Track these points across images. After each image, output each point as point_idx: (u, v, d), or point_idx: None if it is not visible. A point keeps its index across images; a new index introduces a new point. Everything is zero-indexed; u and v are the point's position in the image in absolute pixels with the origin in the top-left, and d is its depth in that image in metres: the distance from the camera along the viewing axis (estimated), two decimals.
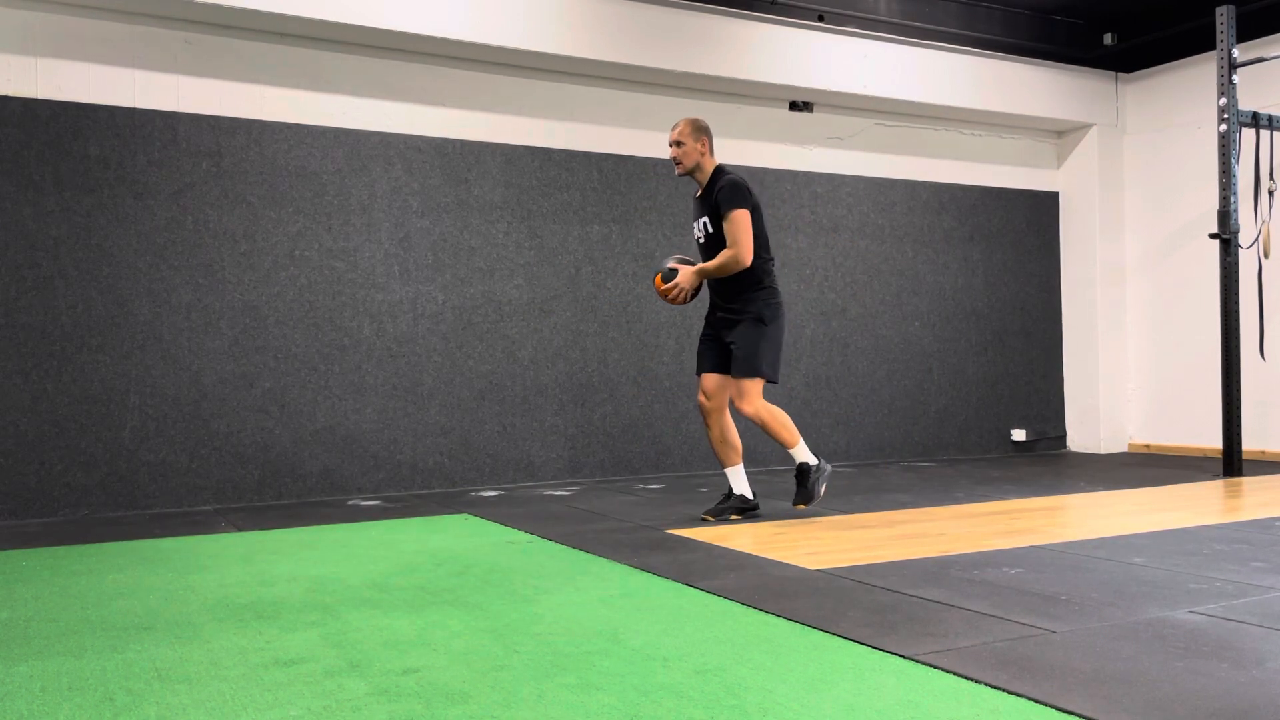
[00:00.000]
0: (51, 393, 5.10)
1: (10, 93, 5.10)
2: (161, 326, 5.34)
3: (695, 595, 3.16)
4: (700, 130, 4.55)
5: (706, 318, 4.74)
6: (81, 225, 5.19)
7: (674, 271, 4.59)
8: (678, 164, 4.57)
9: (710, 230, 4.56)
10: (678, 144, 4.54)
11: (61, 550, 4.11)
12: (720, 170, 4.56)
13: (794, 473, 4.72)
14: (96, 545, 4.23)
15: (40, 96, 5.15)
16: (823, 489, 4.66)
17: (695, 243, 4.76)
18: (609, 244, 6.52)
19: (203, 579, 3.51)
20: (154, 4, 5.26)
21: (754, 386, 4.47)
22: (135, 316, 5.29)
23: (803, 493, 4.63)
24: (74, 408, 5.14)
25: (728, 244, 4.45)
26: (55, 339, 5.12)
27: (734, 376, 4.50)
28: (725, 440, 4.63)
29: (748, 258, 4.43)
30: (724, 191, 4.46)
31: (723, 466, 4.68)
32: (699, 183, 4.62)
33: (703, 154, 4.55)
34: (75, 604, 3.15)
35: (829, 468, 4.71)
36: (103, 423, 5.19)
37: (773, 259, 4.64)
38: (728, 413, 4.65)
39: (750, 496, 4.67)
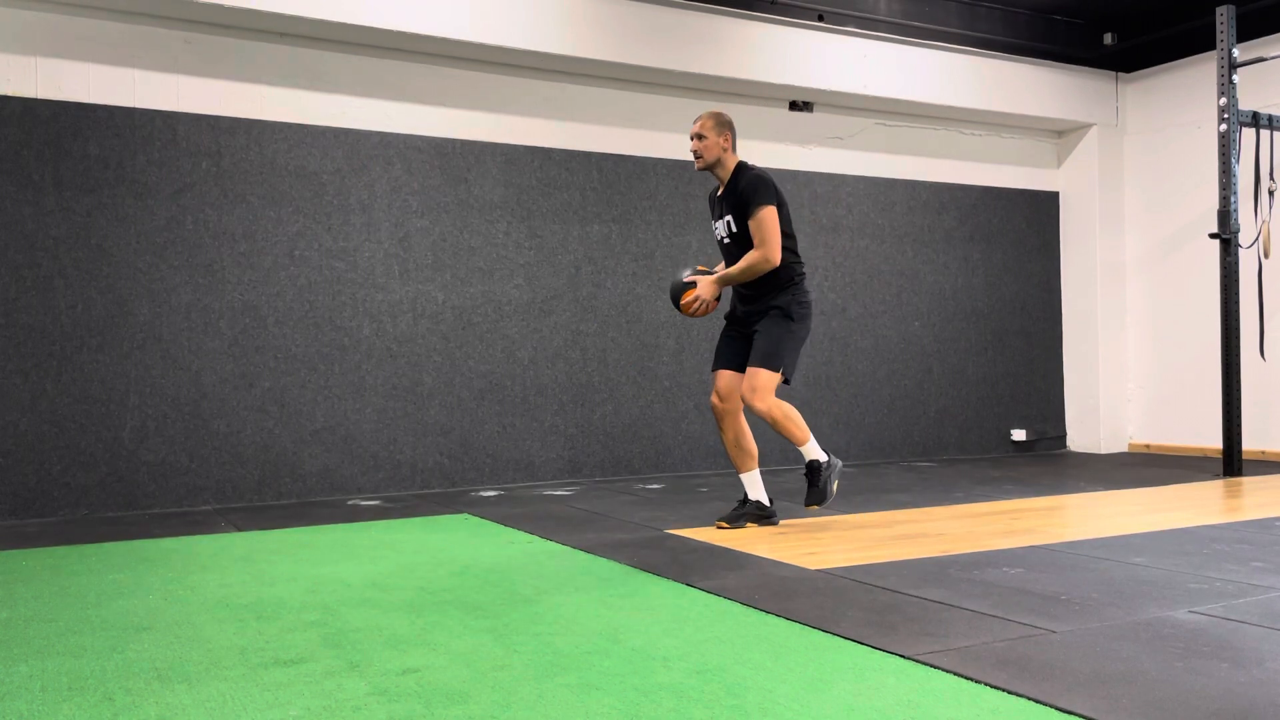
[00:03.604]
0: (51, 393, 5.10)
1: (10, 93, 5.10)
2: (161, 326, 5.34)
3: (695, 595, 3.15)
4: (723, 125, 4.32)
5: (727, 315, 4.54)
6: (81, 225, 5.19)
7: (692, 284, 4.32)
8: (698, 158, 4.34)
9: (734, 230, 4.34)
10: (699, 137, 4.31)
11: (61, 550, 4.11)
12: (743, 166, 4.34)
13: (803, 471, 4.41)
14: (96, 545, 4.23)
15: (40, 96, 5.15)
16: (834, 487, 4.36)
17: (718, 243, 4.50)
18: (609, 244, 6.52)
19: (203, 579, 3.51)
20: (154, 4, 5.26)
21: (770, 381, 4.22)
22: (135, 316, 5.29)
23: (814, 493, 4.33)
24: (74, 408, 5.14)
25: (755, 243, 4.21)
26: (55, 339, 5.12)
27: (751, 366, 4.24)
28: (740, 445, 4.42)
29: (776, 257, 4.20)
30: (749, 188, 4.22)
31: (737, 472, 4.46)
32: (719, 179, 4.40)
33: (725, 149, 4.32)
34: (75, 604, 3.15)
35: (840, 464, 4.41)
36: (103, 423, 5.19)
37: (801, 261, 4.41)
38: (743, 416, 4.43)
39: (767, 503, 4.43)
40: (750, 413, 4.35)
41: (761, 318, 4.32)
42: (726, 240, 4.41)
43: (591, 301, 6.45)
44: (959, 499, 5.33)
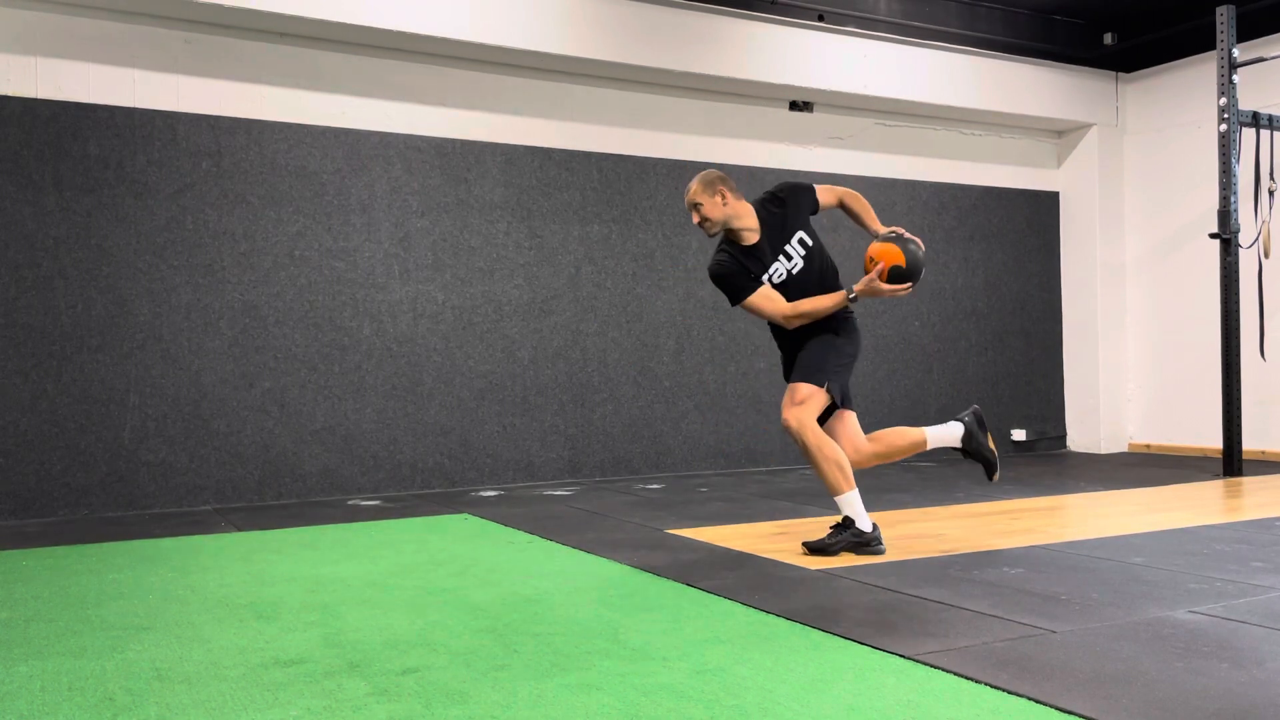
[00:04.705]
0: (51, 393, 5.10)
1: (10, 93, 5.09)
2: (161, 326, 5.34)
3: (695, 595, 3.15)
4: (709, 183, 3.83)
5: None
6: (81, 225, 5.19)
7: (915, 246, 4.02)
8: (706, 223, 3.85)
9: (811, 244, 3.95)
10: (695, 207, 3.84)
11: (61, 550, 4.11)
12: (762, 199, 3.95)
13: (834, 525, 3.84)
14: (96, 545, 4.23)
15: (40, 96, 5.15)
16: (841, 552, 3.74)
17: (777, 284, 3.90)
18: (609, 244, 6.52)
19: (203, 579, 3.51)
20: (154, 4, 5.26)
21: (809, 395, 3.78)
22: (135, 316, 5.29)
23: (822, 543, 3.77)
24: (74, 408, 5.14)
25: (841, 201, 4.12)
26: (55, 339, 5.12)
27: (792, 380, 3.85)
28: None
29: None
30: (791, 192, 3.94)
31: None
32: (744, 231, 3.86)
33: (725, 203, 3.82)
34: (75, 604, 3.15)
35: (882, 548, 3.78)
36: (103, 423, 5.19)
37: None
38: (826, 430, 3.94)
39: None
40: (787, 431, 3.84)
41: (808, 336, 3.95)
42: (799, 268, 3.94)
43: (591, 301, 6.45)
44: (959, 499, 5.33)
